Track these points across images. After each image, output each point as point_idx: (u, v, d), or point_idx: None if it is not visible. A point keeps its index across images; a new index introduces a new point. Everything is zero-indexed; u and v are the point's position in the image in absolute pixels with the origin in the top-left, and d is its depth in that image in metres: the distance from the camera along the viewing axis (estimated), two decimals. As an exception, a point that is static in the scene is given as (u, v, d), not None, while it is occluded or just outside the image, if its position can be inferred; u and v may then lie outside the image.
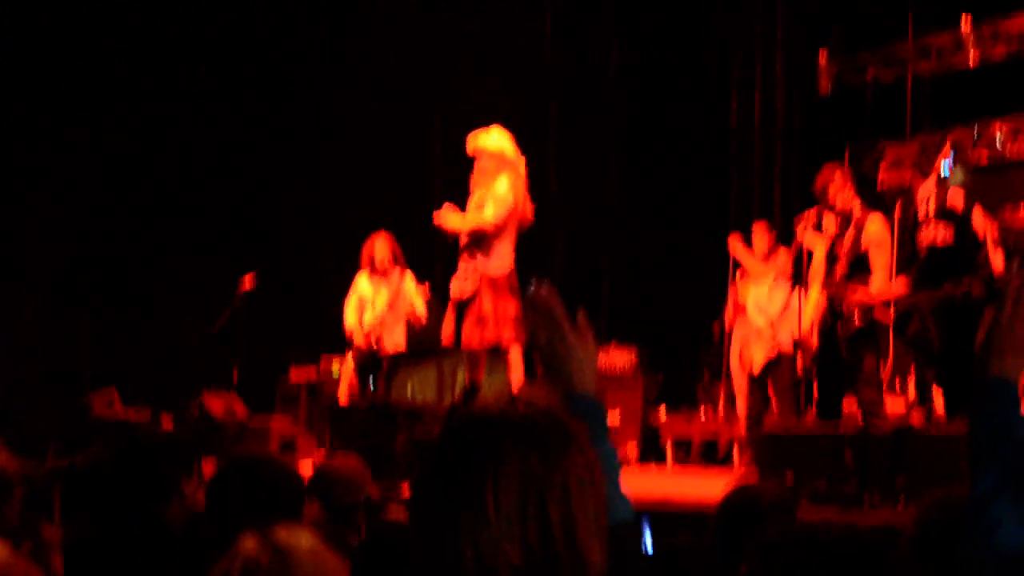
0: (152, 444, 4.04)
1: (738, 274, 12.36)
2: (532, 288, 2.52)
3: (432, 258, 13.16)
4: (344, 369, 11.78)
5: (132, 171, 15.48)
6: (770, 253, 11.88)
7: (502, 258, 10.00)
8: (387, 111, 16.34)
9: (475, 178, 10.22)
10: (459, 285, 10.04)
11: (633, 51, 16.80)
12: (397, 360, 11.75)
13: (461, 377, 12.39)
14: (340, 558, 2.44)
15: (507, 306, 9.89)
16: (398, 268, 11.53)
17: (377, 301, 11.47)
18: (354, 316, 11.56)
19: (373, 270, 11.52)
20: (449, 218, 10.00)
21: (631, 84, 16.83)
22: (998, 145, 14.56)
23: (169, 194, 15.61)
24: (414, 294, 11.51)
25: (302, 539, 2.37)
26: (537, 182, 10.42)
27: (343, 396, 11.51)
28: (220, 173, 15.91)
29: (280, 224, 16.17)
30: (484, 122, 10.40)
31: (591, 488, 1.81)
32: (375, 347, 11.45)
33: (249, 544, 2.32)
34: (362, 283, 11.62)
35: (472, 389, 10.23)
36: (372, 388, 11.44)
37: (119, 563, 3.71)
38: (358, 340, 11.50)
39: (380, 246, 11.53)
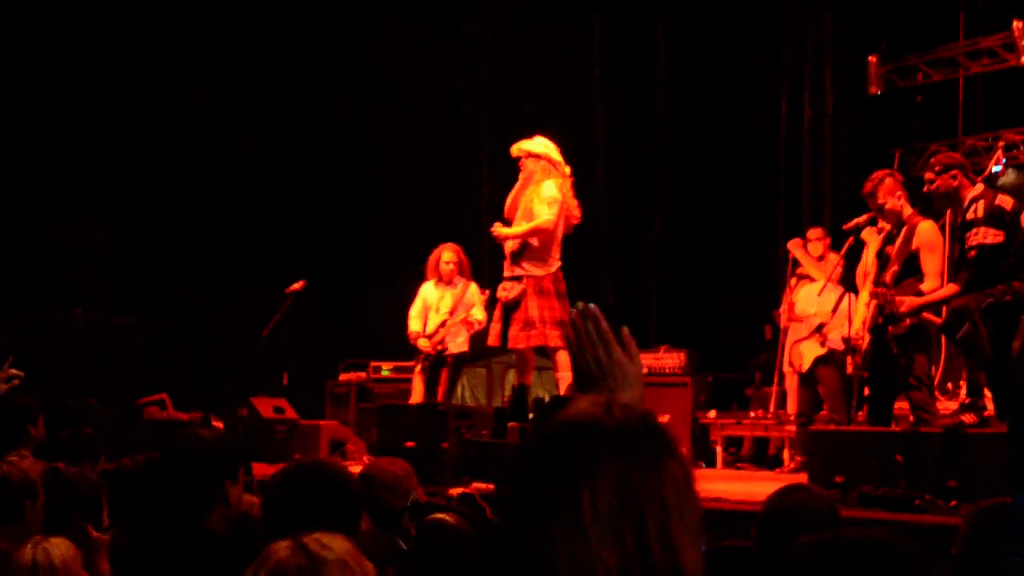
0: (196, 447, 4.03)
1: (793, 279, 12.41)
2: (579, 306, 2.53)
3: (479, 265, 13.19)
4: (413, 375, 11.86)
5: (183, 178, 15.59)
6: (822, 257, 11.95)
7: (548, 260, 10.04)
8: (437, 122, 16.42)
9: (520, 185, 10.27)
10: (506, 288, 10.10)
11: (683, 55, 16.80)
12: (460, 362, 11.79)
13: (510, 379, 12.43)
14: (374, 566, 2.45)
15: (553, 307, 9.94)
16: (463, 278, 11.62)
17: (441, 307, 11.61)
18: (418, 323, 11.70)
19: (439, 279, 11.63)
20: (504, 230, 10.07)
21: (681, 88, 16.83)
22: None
23: (219, 200, 15.71)
24: (476, 301, 11.57)
25: (335, 545, 2.38)
26: (585, 186, 10.44)
27: (415, 398, 11.61)
28: (271, 180, 16.02)
29: (330, 231, 16.23)
30: (531, 132, 10.47)
31: (687, 496, 1.79)
32: (441, 350, 11.55)
33: (281, 548, 2.33)
34: (428, 290, 11.77)
35: (521, 390, 10.26)
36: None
37: (161, 566, 3.74)
38: (423, 345, 11.59)
39: (447, 255, 11.66)
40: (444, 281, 11.67)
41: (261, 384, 12.57)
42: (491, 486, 8.18)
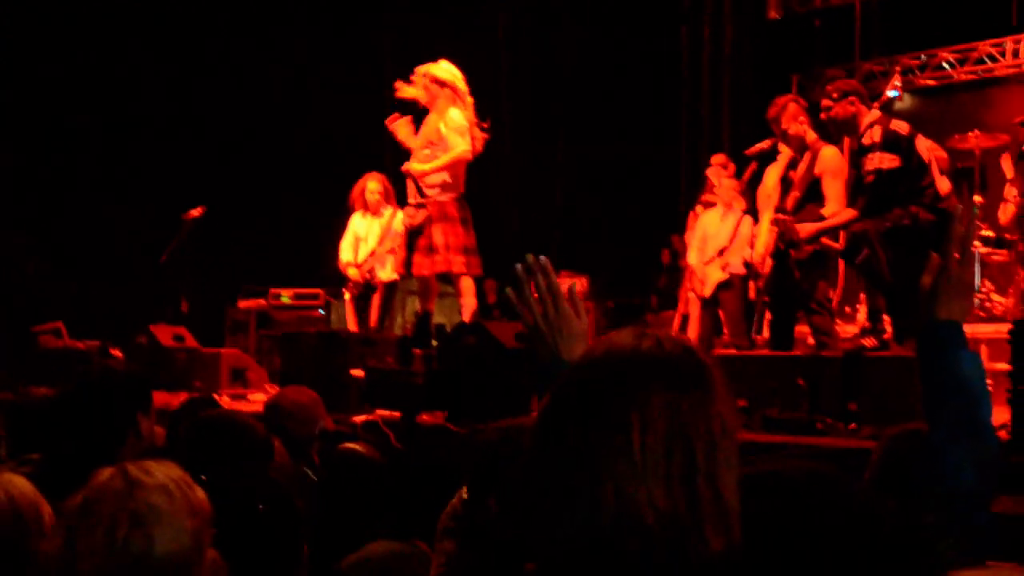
0: (109, 379, 3.97)
1: (699, 205, 12.52)
2: (528, 259, 2.52)
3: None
4: (345, 304, 11.83)
5: (80, 98, 15.30)
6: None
7: (452, 187, 9.99)
8: (339, 48, 16.28)
9: (427, 110, 10.18)
10: (410, 214, 10.04)
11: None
12: (392, 289, 11.76)
13: (412, 305, 12.41)
14: (203, 495, 2.44)
15: (458, 233, 9.90)
16: (390, 206, 11.56)
17: (370, 237, 11.65)
18: (350, 253, 11.72)
19: (366, 208, 11.58)
20: (417, 166, 9.96)
21: (583, 13, 16.77)
22: (947, 69, 14.62)
23: (116, 123, 15.45)
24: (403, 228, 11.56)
25: (158, 471, 2.37)
26: (488, 111, 10.36)
27: (350, 327, 11.59)
28: (170, 103, 15.78)
29: (230, 156, 16.02)
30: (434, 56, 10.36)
31: (731, 432, 1.76)
32: (370, 279, 11.53)
33: (104, 472, 2.33)
34: (356, 221, 11.76)
35: (425, 317, 10.24)
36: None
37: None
38: (353, 275, 11.62)
39: (372, 184, 11.67)
40: (371, 211, 11.66)
41: (160, 311, 12.42)
42: (396, 413, 8.18)
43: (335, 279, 13.49)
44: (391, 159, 11.24)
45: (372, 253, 11.59)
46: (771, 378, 7.60)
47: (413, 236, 10.00)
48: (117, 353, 11.35)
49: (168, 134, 15.62)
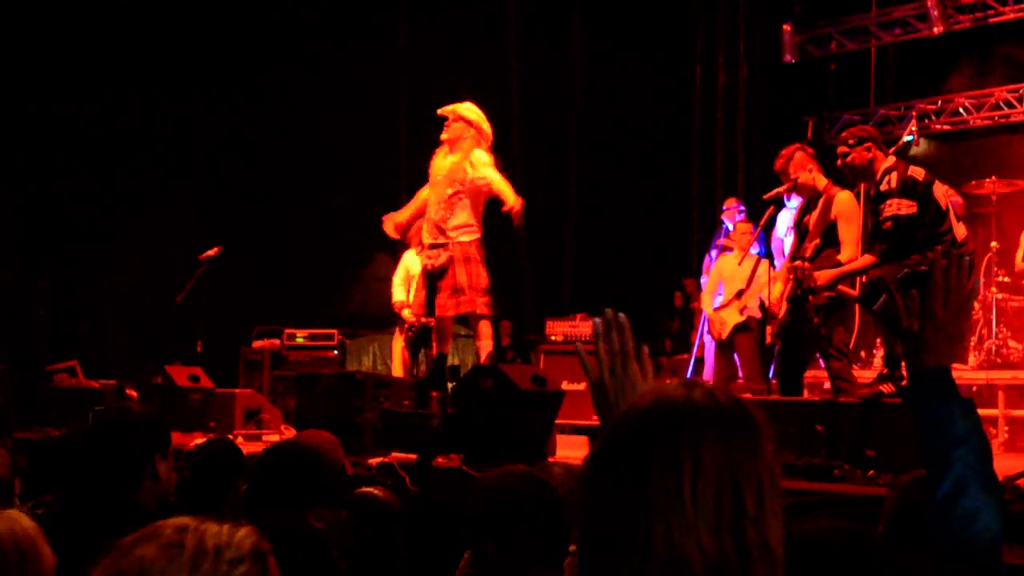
0: (127, 421, 3.96)
1: (713, 250, 12.66)
2: (608, 314, 2.51)
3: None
4: (395, 343, 11.79)
5: (95, 141, 15.38)
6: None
7: (474, 228, 9.99)
8: (355, 90, 16.36)
9: (444, 148, 10.18)
10: (431, 255, 10.02)
11: (599, 22, 16.80)
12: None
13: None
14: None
15: (480, 275, 9.90)
16: None
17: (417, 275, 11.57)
18: (402, 291, 11.74)
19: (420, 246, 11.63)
20: (511, 199, 9.85)
21: (596, 55, 16.82)
22: (963, 114, 14.63)
23: (133, 163, 15.52)
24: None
25: (231, 534, 2.34)
26: (501, 153, 10.38)
27: (397, 370, 11.59)
28: (187, 143, 15.85)
29: (245, 197, 16.07)
30: (447, 100, 10.40)
31: (777, 480, 1.79)
32: (423, 320, 11.54)
33: (166, 527, 2.30)
34: (409, 258, 11.74)
35: (440, 359, 10.22)
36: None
37: (93, 542, 3.66)
38: (407, 316, 11.58)
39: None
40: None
41: (175, 351, 12.43)
42: (411, 456, 8.15)
43: (349, 320, 13.52)
44: (406, 199, 11.24)
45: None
46: (788, 423, 7.56)
47: (433, 277, 9.99)
48: (132, 393, 11.35)
49: (185, 175, 15.68)
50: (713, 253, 12.94)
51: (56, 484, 4.86)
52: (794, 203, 12.27)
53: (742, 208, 12.87)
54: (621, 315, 2.53)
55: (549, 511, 3.56)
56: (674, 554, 1.68)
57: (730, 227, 12.86)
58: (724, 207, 13.01)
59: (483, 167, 9.89)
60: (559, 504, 3.60)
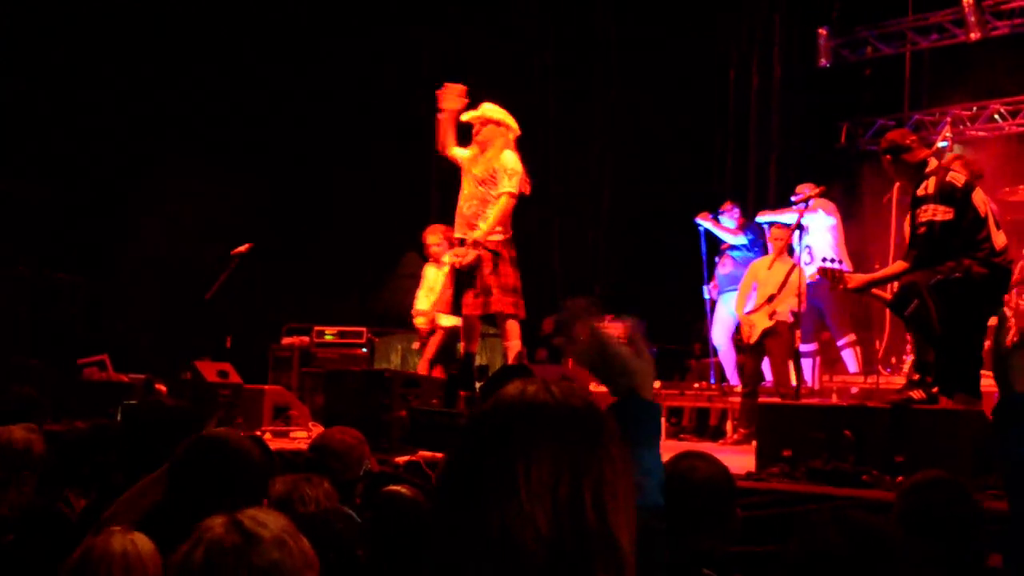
0: (158, 414, 3.96)
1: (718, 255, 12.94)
2: (567, 304, 2.64)
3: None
4: (424, 353, 12.01)
5: (130, 137, 15.45)
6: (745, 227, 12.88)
7: (504, 228, 9.99)
8: (385, 102, 16.40)
9: (474, 148, 10.19)
10: (459, 253, 10.02)
11: (631, 24, 16.77)
12: (454, 336, 11.83)
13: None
14: (308, 544, 2.41)
15: (508, 274, 9.89)
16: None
17: (436, 287, 12.01)
18: (423, 302, 12.13)
19: (431, 260, 12.12)
20: (480, 233, 9.91)
21: (629, 57, 16.80)
22: (998, 121, 14.55)
23: (165, 159, 15.57)
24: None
25: (270, 522, 2.33)
26: (532, 156, 10.38)
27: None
28: (218, 139, 15.88)
29: (277, 194, 16.11)
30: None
31: (624, 478, 1.83)
32: (433, 329, 11.90)
33: (216, 525, 2.28)
34: (428, 271, 12.22)
35: (469, 358, 10.21)
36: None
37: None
38: (419, 324, 12.04)
39: (432, 239, 12.06)
40: (435, 261, 12.02)
41: (204, 347, 12.46)
42: (439, 455, 8.15)
43: (378, 318, 13.53)
44: (438, 203, 11.28)
45: (438, 300, 11.87)
46: (817, 428, 7.53)
47: (462, 276, 10.00)
48: (162, 388, 11.39)
49: (217, 171, 15.71)
50: (725, 256, 13.12)
51: (82, 476, 4.88)
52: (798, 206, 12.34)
53: (736, 210, 13.08)
54: (578, 300, 2.69)
55: None
56: (508, 537, 1.73)
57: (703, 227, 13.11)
58: (720, 210, 13.16)
59: (505, 176, 9.91)
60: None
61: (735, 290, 12.63)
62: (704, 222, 13.11)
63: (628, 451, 1.85)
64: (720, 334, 13.16)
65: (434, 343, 11.80)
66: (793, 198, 11.73)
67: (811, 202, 11.32)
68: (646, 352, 2.60)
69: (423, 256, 12.32)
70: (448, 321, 11.68)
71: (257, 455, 3.79)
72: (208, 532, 2.29)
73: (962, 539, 3.81)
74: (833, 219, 12.44)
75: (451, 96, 10.42)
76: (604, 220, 17.12)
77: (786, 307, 10.99)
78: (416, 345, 12.21)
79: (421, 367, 11.79)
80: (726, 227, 13.04)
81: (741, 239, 12.90)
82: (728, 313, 12.99)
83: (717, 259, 13.21)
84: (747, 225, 12.95)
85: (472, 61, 16.03)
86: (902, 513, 4.00)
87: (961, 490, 4.05)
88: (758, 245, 12.70)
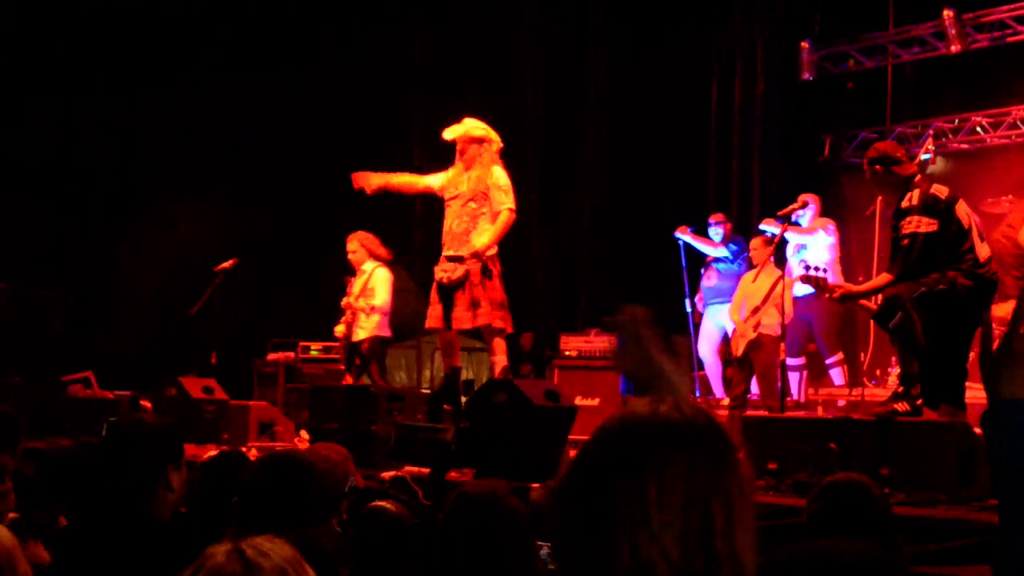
0: (140, 432, 3.94)
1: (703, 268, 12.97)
2: (625, 310, 2.58)
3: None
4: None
5: (112, 151, 15.43)
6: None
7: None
8: (372, 114, 16.41)
9: (458, 166, 10.20)
10: (447, 268, 10.00)
11: (615, 35, 16.79)
12: (375, 348, 11.79)
13: (439, 359, 12.44)
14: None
15: (496, 288, 9.90)
16: (374, 262, 11.67)
17: (353, 296, 11.81)
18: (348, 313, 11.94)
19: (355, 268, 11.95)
20: (484, 240, 9.91)
21: (611, 69, 16.81)
22: (980, 133, 14.58)
23: (149, 176, 15.56)
24: (380, 285, 11.62)
25: (275, 552, 2.32)
26: (515, 170, 10.38)
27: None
28: (202, 155, 15.88)
29: (262, 210, 16.10)
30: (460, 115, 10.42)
31: (748, 495, 1.81)
32: (350, 339, 11.75)
33: (218, 553, 2.27)
34: (353, 282, 11.98)
35: (454, 373, 10.21)
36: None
37: (109, 553, 3.65)
38: (337, 332, 11.88)
39: (350, 246, 11.90)
40: (355, 269, 11.89)
41: (189, 363, 12.44)
42: (424, 469, 8.14)
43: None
44: (421, 212, 11.28)
45: (353, 314, 11.77)
46: (802, 441, 7.55)
47: (449, 290, 9.97)
48: (147, 404, 11.36)
49: (200, 187, 15.71)
50: (710, 268, 13.15)
51: (65, 494, 4.86)
52: (806, 220, 12.32)
53: (720, 223, 13.11)
54: (637, 309, 2.58)
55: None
56: (639, 566, 1.70)
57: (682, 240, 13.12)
58: (711, 221, 13.20)
59: (501, 193, 9.94)
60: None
61: (721, 302, 12.67)
62: (683, 236, 13.14)
63: (751, 472, 1.83)
64: (706, 347, 13.17)
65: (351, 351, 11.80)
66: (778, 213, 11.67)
67: (801, 215, 11.43)
68: (685, 367, 2.57)
69: (412, 262, 12.24)
70: (362, 334, 11.69)
71: (327, 473, 3.81)
72: (210, 560, 2.27)
73: (872, 537, 3.87)
74: (833, 239, 12.46)
75: (364, 180, 10.49)
76: (587, 233, 17.11)
77: (772, 320, 10.99)
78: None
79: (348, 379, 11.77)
80: (708, 239, 13.06)
81: (723, 251, 12.91)
82: (714, 325, 13.01)
83: (703, 271, 13.23)
84: (732, 237, 12.96)
85: (456, 69, 16.09)
86: (812, 516, 4.07)
87: (868, 490, 4.12)
88: (742, 257, 12.71)
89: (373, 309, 11.56)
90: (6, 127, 14.90)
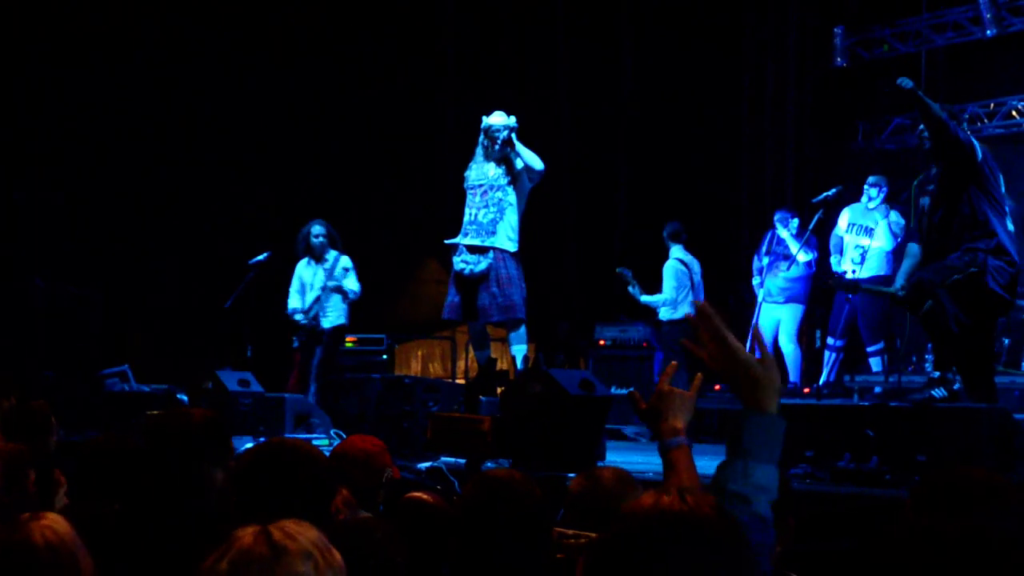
0: (188, 426, 3.95)
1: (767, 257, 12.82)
2: (697, 303, 2.63)
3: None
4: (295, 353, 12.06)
5: (146, 147, 15.48)
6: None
7: (515, 237, 10.03)
8: (404, 106, 16.43)
9: (483, 155, 10.24)
10: (469, 260, 10.02)
11: (645, 33, 16.75)
12: (339, 336, 11.97)
13: (471, 351, 12.44)
14: (339, 557, 2.41)
15: (520, 280, 9.94)
16: (334, 251, 11.88)
17: (315, 283, 11.92)
18: (297, 300, 12.05)
19: (312, 255, 11.97)
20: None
21: (642, 65, 16.78)
22: (1015, 117, 14.49)
23: (183, 171, 15.61)
24: (348, 273, 11.79)
25: (301, 534, 2.33)
26: (548, 162, 10.37)
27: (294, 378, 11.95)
28: (234, 150, 15.92)
29: (295, 203, 16.14)
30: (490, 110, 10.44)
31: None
32: (315, 324, 11.86)
33: (246, 535, 2.29)
34: (301, 268, 12.11)
35: (490, 363, 10.21)
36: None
37: (153, 548, 3.67)
38: (300, 319, 11.95)
39: (316, 229, 12.01)
40: (316, 256, 11.94)
41: (225, 356, 12.49)
42: (461, 460, 8.16)
43: (398, 324, 13.54)
44: (452, 199, 11.28)
45: (317, 299, 11.83)
46: (839, 429, 7.51)
47: (472, 283, 9.99)
48: (183, 397, 11.42)
49: (234, 180, 15.75)
50: (764, 259, 12.98)
51: (103, 488, 4.88)
52: (875, 201, 12.23)
53: (789, 216, 12.93)
54: (706, 304, 2.63)
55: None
56: None
57: (780, 234, 12.88)
58: (787, 212, 13.07)
59: (529, 155, 10.00)
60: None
61: (776, 303, 12.68)
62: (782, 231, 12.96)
63: (756, 562, 1.87)
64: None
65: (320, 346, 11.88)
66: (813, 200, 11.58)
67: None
68: (770, 361, 2.56)
69: (443, 254, 12.24)
70: (329, 322, 11.84)
71: (323, 459, 3.81)
72: (237, 542, 2.29)
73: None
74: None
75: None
76: (621, 223, 17.08)
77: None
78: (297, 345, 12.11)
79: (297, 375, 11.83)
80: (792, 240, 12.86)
81: (808, 255, 12.74)
82: (770, 320, 12.95)
83: (769, 261, 13.07)
84: (805, 238, 12.65)
85: (488, 63, 16.08)
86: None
87: None
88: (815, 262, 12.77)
89: (355, 295, 11.70)
90: (37, 123, 14.97)
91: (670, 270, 12.93)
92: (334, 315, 11.84)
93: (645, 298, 12.88)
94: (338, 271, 11.79)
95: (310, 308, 11.82)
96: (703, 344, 2.59)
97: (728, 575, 1.79)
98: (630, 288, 12.93)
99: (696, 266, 13.06)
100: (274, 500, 3.49)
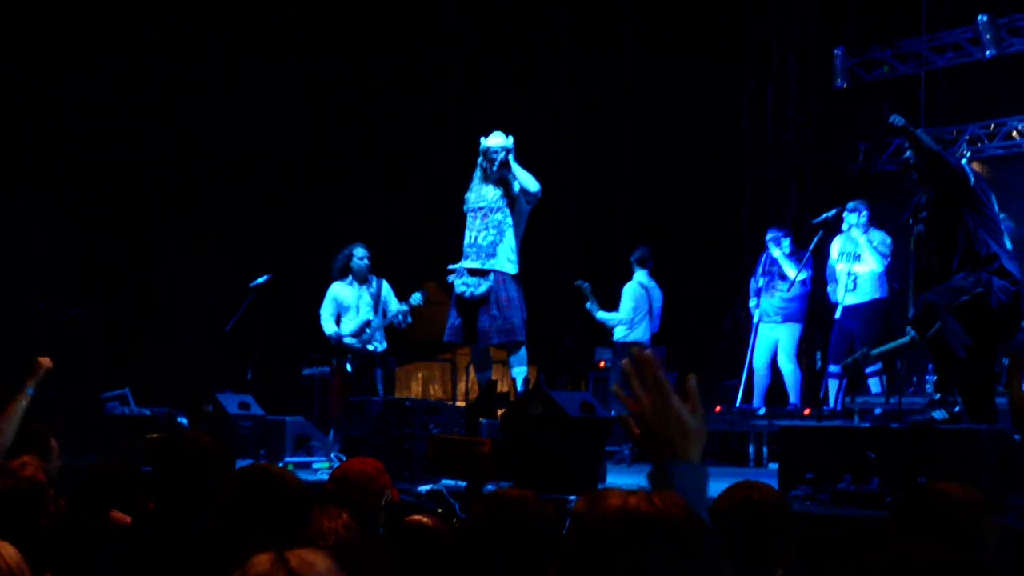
0: (196, 450, 3.96)
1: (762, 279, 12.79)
2: (635, 351, 2.52)
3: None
4: (336, 376, 11.95)
5: (148, 169, 15.50)
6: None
7: (515, 259, 10.04)
8: (403, 112, 16.40)
9: (482, 177, 10.27)
10: (470, 283, 10.04)
11: (647, 51, 16.76)
12: (386, 360, 11.96)
13: (472, 373, 12.44)
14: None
15: (520, 302, 9.96)
16: (374, 275, 11.82)
17: (361, 307, 11.73)
18: (333, 324, 11.94)
19: (354, 277, 11.83)
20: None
21: (643, 83, 16.78)
22: (1016, 137, 14.49)
23: (184, 192, 15.62)
24: (391, 297, 11.66)
25: (317, 563, 2.32)
26: (553, 180, 10.40)
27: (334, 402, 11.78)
28: (236, 173, 15.93)
29: (296, 226, 16.15)
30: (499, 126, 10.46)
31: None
32: (366, 349, 11.80)
33: (262, 561, 2.28)
34: (340, 290, 11.96)
35: (490, 385, 10.23)
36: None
37: (166, 566, 3.68)
38: (352, 343, 11.82)
39: (361, 251, 11.93)
40: (360, 278, 11.81)
41: (226, 379, 12.48)
42: (462, 483, 8.15)
43: (398, 347, 13.51)
44: (454, 224, 11.29)
45: (368, 323, 11.74)
46: (839, 450, 7.50)
47: (473, 305, 10.01)
48: (184, 420, 11.41)
49: (235, 203, 15.75)
50: (761, 280, 12.97)
51: (101, 510, 4.88)
52: (856, 227, 12.22)
53: (781, 235, 12.94)
54: (647, 351, 2.51)
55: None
56: None
57: (773, 254, 12.89)
58: (779, 230, 13.07)
59: (526, 176, 10.02)
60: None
61: (775, 322, 12.67)
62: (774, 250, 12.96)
63: (726, 564, 1.86)
64: (762, 358, 13.00)
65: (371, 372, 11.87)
66: (813, 221, 11.60)
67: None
68: (700, 411, 2.50)
69: (443, 277, 12.25)
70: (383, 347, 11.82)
71: (297, 485, 3.81)
72: (252, 569, 2.28)
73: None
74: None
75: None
76: (622, 244, 17.07)
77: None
78: (340, 370, 12.05)
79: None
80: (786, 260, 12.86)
81: (803, 274, 12.73)
82: (770, 339, 12.92)
83: (765, 282, 13.07)
84: (804, 258, 12.65)
85: (493, 79, 16.08)
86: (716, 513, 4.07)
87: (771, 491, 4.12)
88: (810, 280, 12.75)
89: (407, 318, 11.65)
90: (42, 146, 14.99)
91: (629, 291, 12.95)
92: (379, 337, 11.78)
93: (601, 315, 12.92)
94: (392, 304, 11.73)
95: (360, 331, 11.74)
96: (636, 395, 2.50)
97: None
98: (587, 304, 12.96)
99: (657, 294, 13.08)
100: (246, 524, 3.49)
